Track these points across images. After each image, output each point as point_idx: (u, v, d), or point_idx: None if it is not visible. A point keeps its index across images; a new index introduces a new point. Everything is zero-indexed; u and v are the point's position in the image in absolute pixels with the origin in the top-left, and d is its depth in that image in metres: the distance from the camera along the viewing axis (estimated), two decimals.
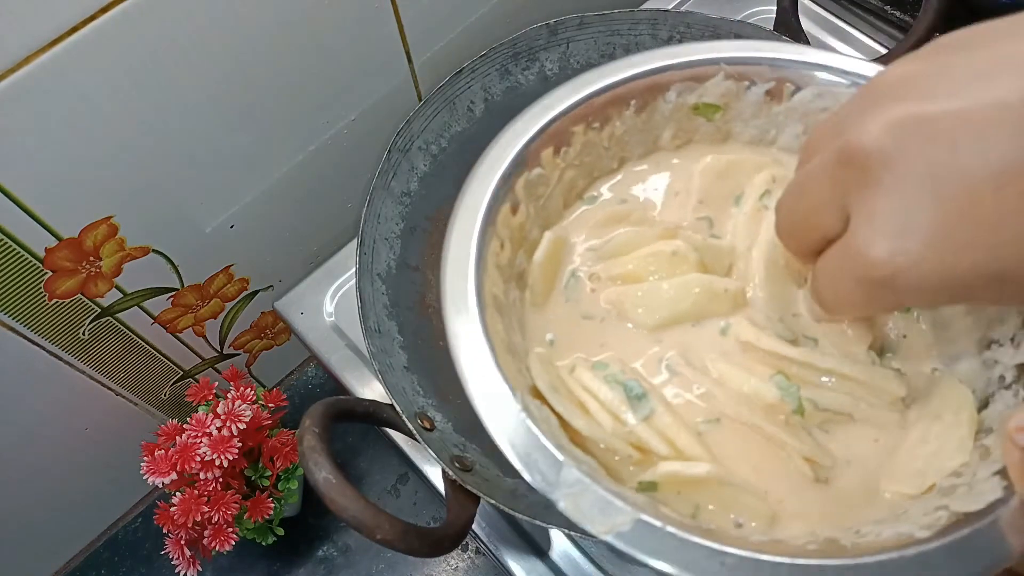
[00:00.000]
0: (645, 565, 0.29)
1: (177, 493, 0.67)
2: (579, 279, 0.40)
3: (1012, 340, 0.34)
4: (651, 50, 0.41)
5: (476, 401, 0.32)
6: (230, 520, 0.68)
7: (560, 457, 0.30)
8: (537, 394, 0.35)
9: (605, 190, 0.43)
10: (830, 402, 0.34)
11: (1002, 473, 0.30)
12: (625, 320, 0.38)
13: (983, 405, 0.34)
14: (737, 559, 0.28)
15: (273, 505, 0.71)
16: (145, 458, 0.67)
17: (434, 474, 0.61)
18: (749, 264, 0.38)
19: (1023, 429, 0.27)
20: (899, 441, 0.34)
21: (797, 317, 0.37)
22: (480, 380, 0.32)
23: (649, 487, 0.33)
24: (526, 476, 0.30)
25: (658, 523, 0.29)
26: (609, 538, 0.29)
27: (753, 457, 0.34)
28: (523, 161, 0.39)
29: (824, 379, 0.35)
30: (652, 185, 0.43)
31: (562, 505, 0.30)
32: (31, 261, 0.55)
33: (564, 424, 0.34)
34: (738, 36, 0.57)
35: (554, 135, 0.40)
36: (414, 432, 0.47)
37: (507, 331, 0.36)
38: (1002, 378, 0.34)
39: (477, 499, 0.46)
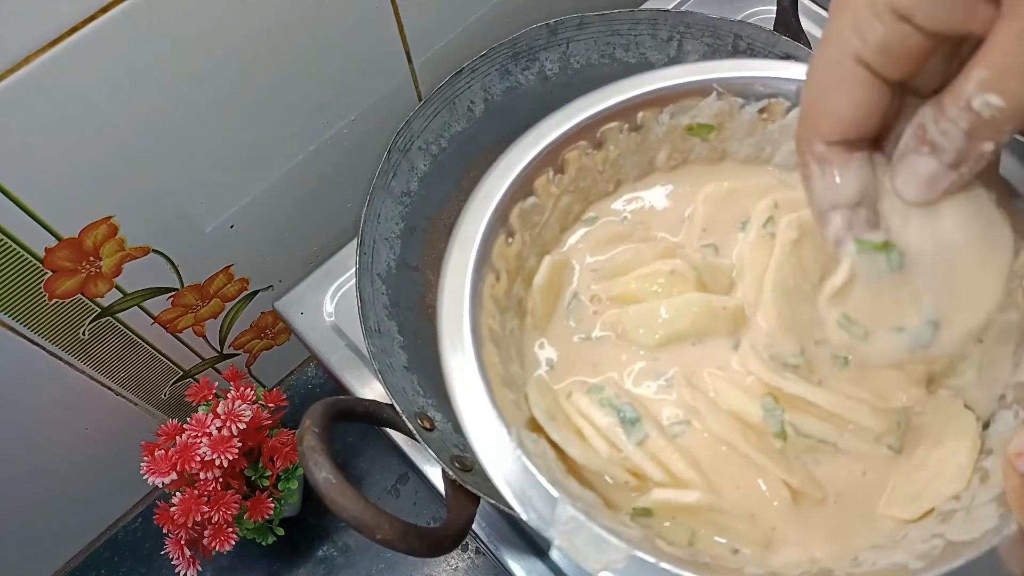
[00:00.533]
0: None
1: (177, 493, 0.67)
2: (581, 301, 0.39)
3: (1012, 356, 0.34)
4: (641, 74, 0.40)
5: (473, 440, 0.32)
6: (230, 520, 0.68)
7: (555, 494, 0.31)
8: (535, 426, 0.35)
9: (605, 211, 0.43)
10: (812, 429, 0.34)
11: (1000, 500, 0.29)
12: (626, 340, 0.38)
13: (984, 425, 0.34)
14: None
15: (273, 505, 0.71)
16: (145, 458, 0.67)
17: (434, 474, 0.61)
18: (759, 291, 0.37)
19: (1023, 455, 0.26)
20: (889, 473, 0.34)
21: (819, 344, 0.36)
22: (476, 418, 0.33)
23: (644, 513, 0.33)
24: (522, 515, 0.30)
25: (652, 559, 0.29)
26: (604, 575, 0.29)
27: (735, 478, 0.34)
28: (517, 191, 0.39)
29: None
30: (654, 204, 0.43)
31: (557, 543, 0.30)
32: (31, 261, 0.55)
33: (562, 454, 0.34)
34: (738, 36, 0.57)
35: (547, 163, 0.39)
36: (414, 432, 0.47)
37: (504, 363, 0.36)
38: (1003, 397, 0.33)
39: (477, 499, 0.46)
